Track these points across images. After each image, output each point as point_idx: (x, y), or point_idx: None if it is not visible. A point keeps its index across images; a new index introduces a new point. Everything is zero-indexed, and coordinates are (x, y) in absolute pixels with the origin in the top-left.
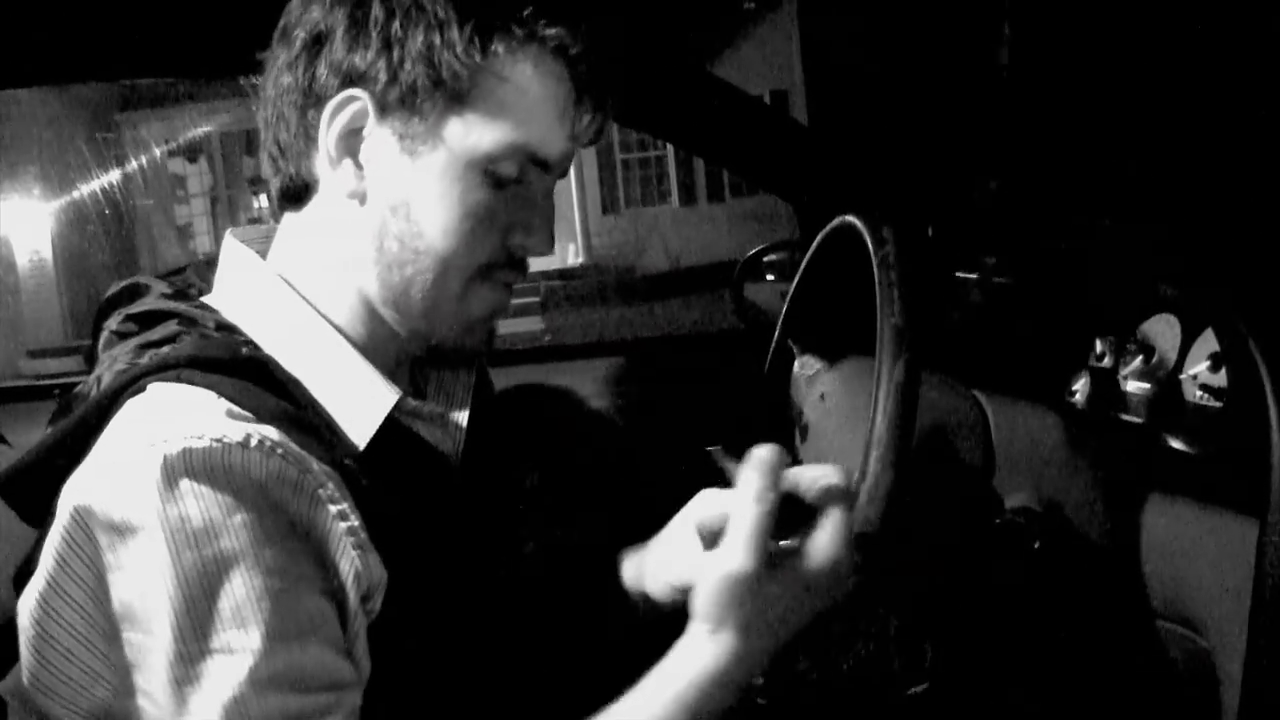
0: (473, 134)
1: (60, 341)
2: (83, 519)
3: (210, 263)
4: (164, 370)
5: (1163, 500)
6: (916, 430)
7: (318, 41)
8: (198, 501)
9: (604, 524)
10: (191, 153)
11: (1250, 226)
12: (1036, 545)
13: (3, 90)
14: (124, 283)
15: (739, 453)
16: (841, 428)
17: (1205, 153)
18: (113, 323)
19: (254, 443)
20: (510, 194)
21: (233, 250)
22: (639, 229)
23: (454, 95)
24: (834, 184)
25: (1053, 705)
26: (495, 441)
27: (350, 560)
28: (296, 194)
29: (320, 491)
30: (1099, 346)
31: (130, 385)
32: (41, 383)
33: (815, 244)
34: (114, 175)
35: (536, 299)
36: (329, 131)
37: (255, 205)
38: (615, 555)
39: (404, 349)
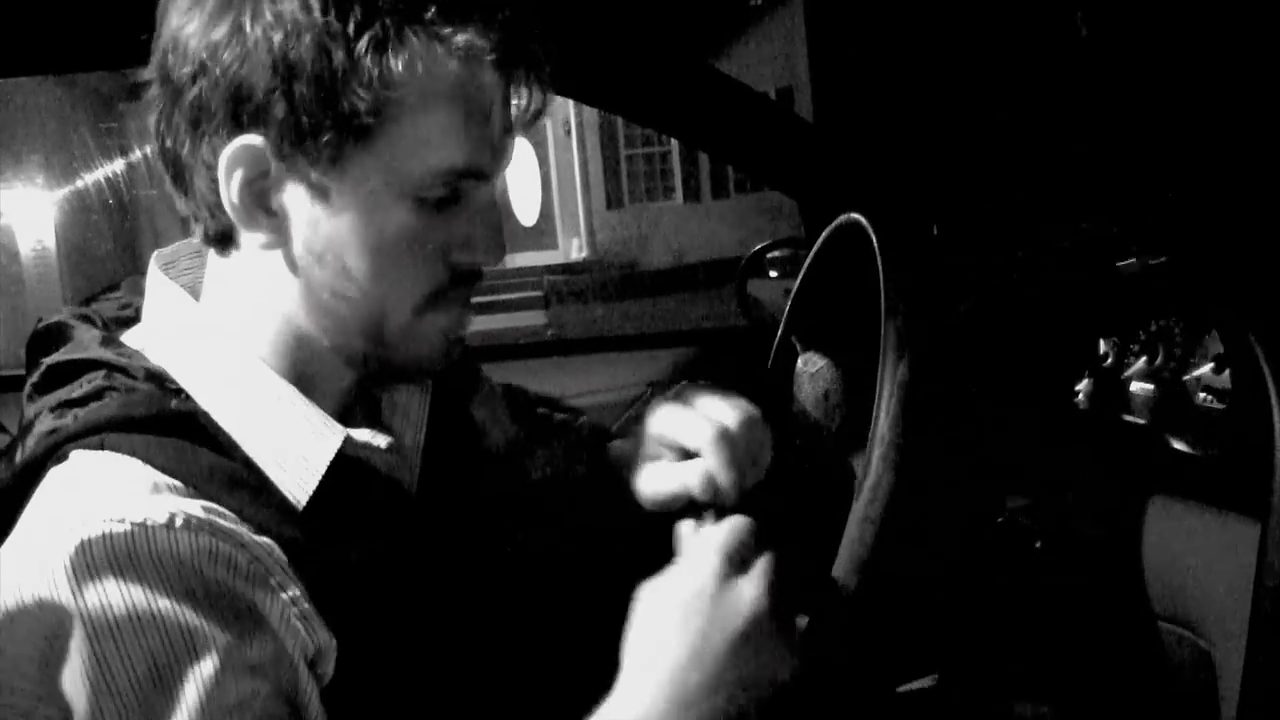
0: (389, 166)
1: None
2: (13, 608)
3: (121, 301)
4: (87, 435)
5: (1165, 501)
6: (921, 430)
7: (198, 74)
8: (120, 590)
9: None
10: None
11: (1255, 228)
12: (1038, 545)
13: (7, 79)
14: (48, 322)
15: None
16: (845, 426)
17: (1211, 155)
18: (34, 374)
19: (179, 522)
20: (444, 215)
21: (159, 285)
22: (643, 224)
23: (360, 129)
24: (839, 181)
25: (1053, 705)
26: (460, 453)
27: (293, 631)
28: (221, 240)
29: (253, 567)
30: (1103, 347)
31: (53, 453)
32: None
33: (820, 241)
34: (118, 165)
35: (539, 294)
36: (229, 185)
37: None
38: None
39: (352, 382)
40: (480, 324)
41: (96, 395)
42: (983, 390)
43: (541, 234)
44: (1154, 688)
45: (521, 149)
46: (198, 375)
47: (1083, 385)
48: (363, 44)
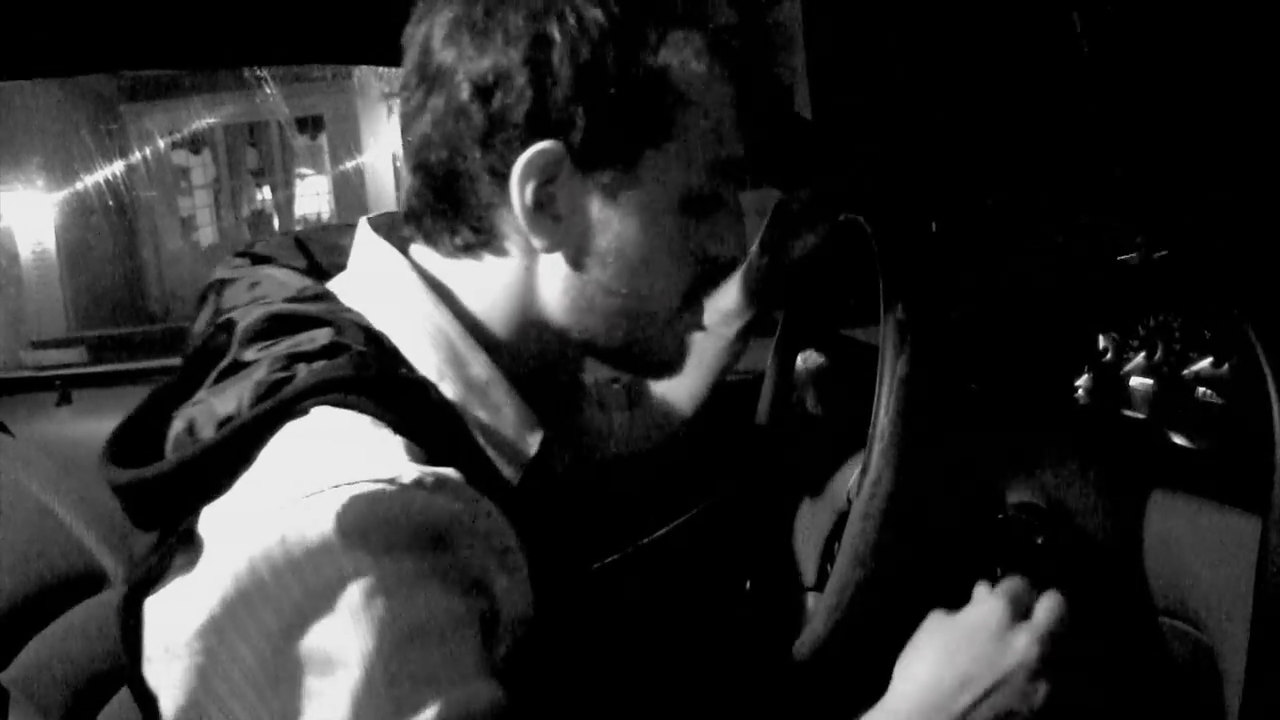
0: (675, 166)
1: (63, 332)
2: (261, 566)
3: (300, 244)
4: (328, 391)
5: (1166, 496)
6: (920, 427)
7: (491, 89)
8: (385, 548)
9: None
10: (195, 144)
11: (1253, 223)
12: (1039, 541)
13: (7, 81)
14: (241, 264)
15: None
16: (845, 423)
17: (1210, 150)
18: (249, 319)
19: (432, 483)
20: (708, 211)
21: (377, 250)
22: None
23: (657, 131)
24: (838, 178)
25: (1055, 700)
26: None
27: (513, 600)
28: (474, 247)
29: (494, 537)
30: (1102, 342)
31: (292, 406)
32: (44, 374)
33: (819, 239)
34: (117, 166)
35: None
36: (523, 189)
37: (259, 197)
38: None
39: (546, 376)
40: None
41: (329, 352)
42: (982, 386)
43: None
44: (1156, 683)
45: None
46: (420, 343)
47: (1082, 380)
48: (664, 52)
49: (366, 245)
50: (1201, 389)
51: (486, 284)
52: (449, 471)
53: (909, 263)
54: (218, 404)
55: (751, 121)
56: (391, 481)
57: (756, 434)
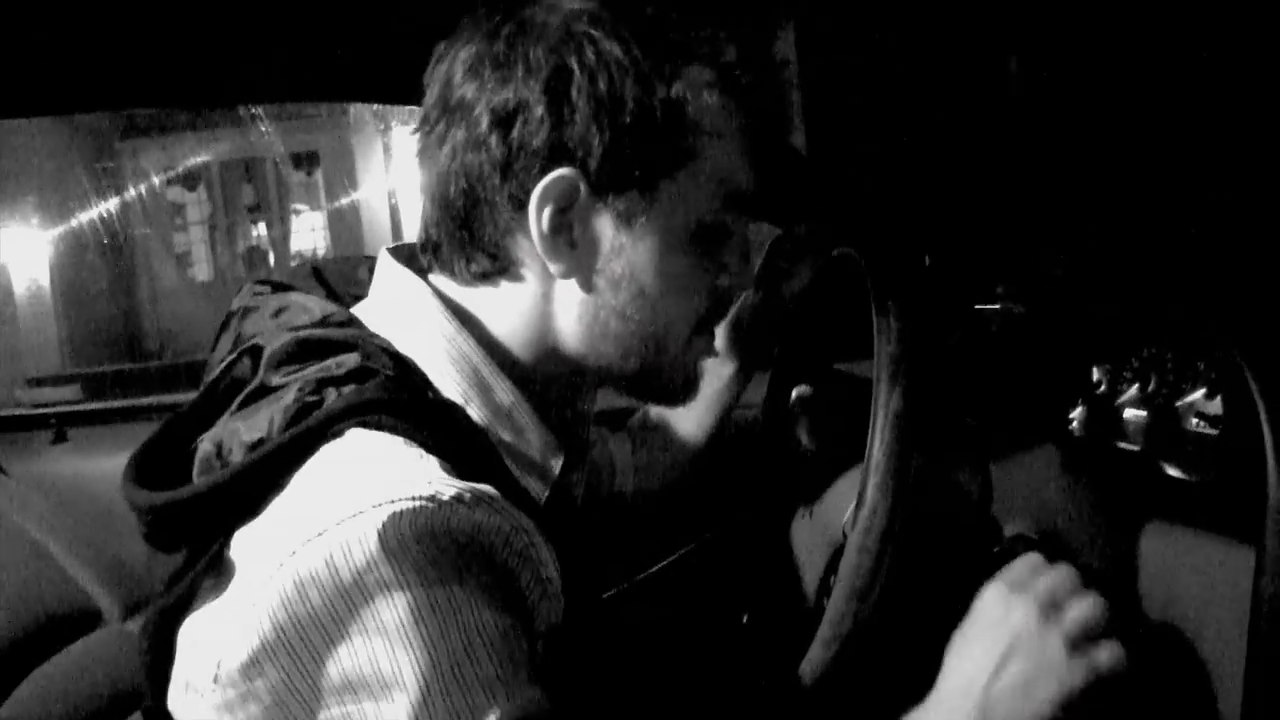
0: (691, 194)
1: (58, 370)
2: (306, 586)
3: (317, 274)
4: (362, 413)
5: (1160, 527)
6: (914, 459)
7: (510, 119)
8: (430, 564)
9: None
10: (190, 181)
11: (1247, 254)
12: None
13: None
14: (265, 294)
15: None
16: (839, 455)
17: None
18: (277, 343)
19: (470, 499)
20: (719, 240)
21: (399, 278)
22: None
23: (671, 160)
24: (831, 211)
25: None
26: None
27: (544, 611)
28: (491, 275)
29: (531, 551)
30: (1096, 374)
31: (327, 428)
32: (39, 411)
33: (814, 273)
34: (113, 204)
35: None
36: (540, 215)
37: (254, 234)
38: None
39: (559, 398)
40: None
41: (357, 376)
42: (977, 418)
43: None
44: (1148, 714)
45: None
46: (445, 368)
47: (1076, 412)
48: (679, 85)
49: (389, 272)
50: (1194, 420)
51: (504, 311)
52: (486, 487)
53: (902, 296)
54: (245, 428)
55: (759, 154)
56: (432, 499)
57: (752, 468)
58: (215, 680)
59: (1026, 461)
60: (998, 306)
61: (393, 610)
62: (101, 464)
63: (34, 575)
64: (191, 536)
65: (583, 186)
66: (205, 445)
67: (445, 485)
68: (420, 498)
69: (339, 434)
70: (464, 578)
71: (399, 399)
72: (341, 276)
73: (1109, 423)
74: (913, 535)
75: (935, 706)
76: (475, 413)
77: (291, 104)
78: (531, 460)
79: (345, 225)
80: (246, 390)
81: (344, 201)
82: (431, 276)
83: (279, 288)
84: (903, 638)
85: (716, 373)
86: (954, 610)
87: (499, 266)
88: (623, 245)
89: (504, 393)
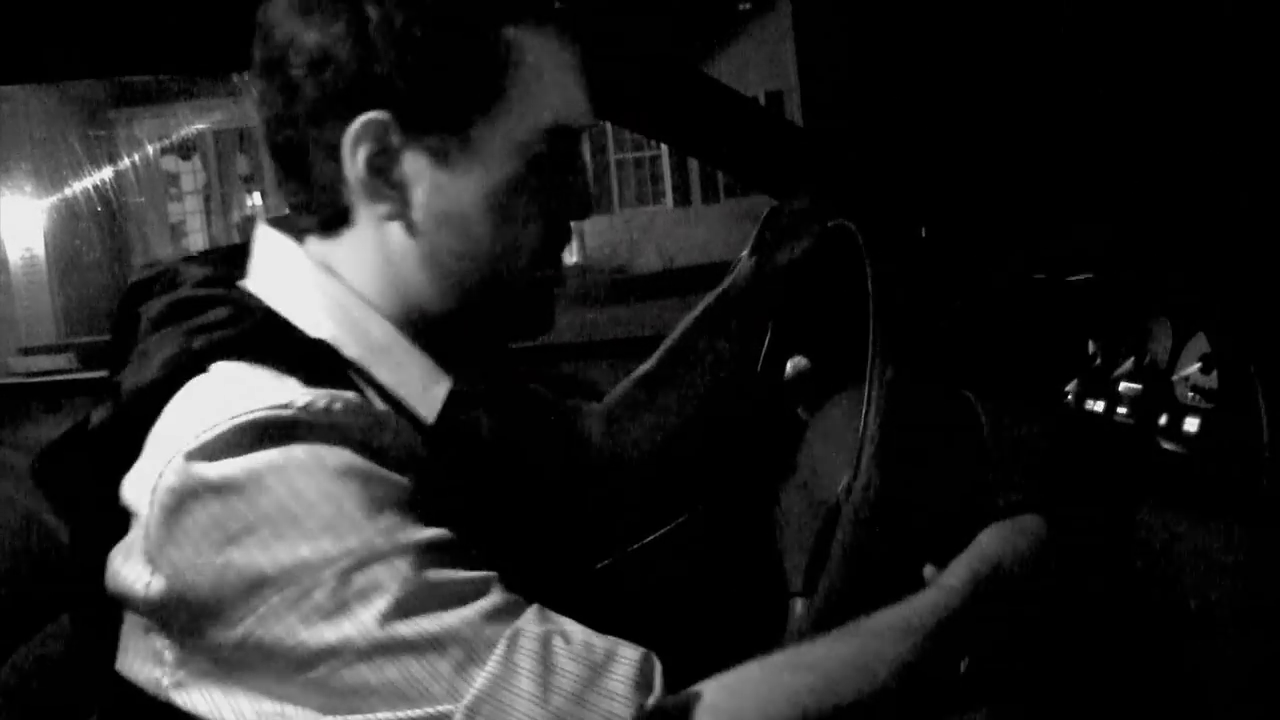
0: (504, 129)
1: (52, 339)
2: (180, 505)
3: (207, 255)
4: (225, 352)
5: (1156, 500)
6: (910, 430)
7: (320, 64)
8: (299, 461)
9: None
10: (185, 150)
11: (1241, 230)
12: None
13: None
14: (157, 268)
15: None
16: (834, 428)
17: (1199, 159)
18: (153, 309)
19: (338, 406)
20: (547, 171)
21: (271, 239)
22: (633, 229)
23: (480, 96)
24: (828, 185)
25: (1045, 706)
26: (523, 424)
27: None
28: (332, 222)
29: (404, 454)
30: (1092, 348)
31: (190, 366)
32: (34, 380)
33: (809, 245)
34: (107, 173)
35: None
36: (355, 160)
37: (249, 203)
38: None
39: (444, 344)
40: None
41: (224, 323)
42: (973, 390)
43: None
44: (1144, 686)
45: None
46: (316, 316)
47: (1072, 386)
48: (480, 13)
49: (261, 238)
50: (1190, 394)
51: (358, 259)
52: (352, 395)
53: (898, 268)
54: (130, 382)
55: (593, 83)
56: (290, 406)
57: (745, 440)
58: (136, 611)
59: (1021, 434)
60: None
61: (274, 500)
62: None
63: (26, 545)
64: (93, 491)
65: (394, 127)
66: (98, 411)
67: (313, 394)
68: (282, 405)
69: (202, 369)
70: (339, 477)
71: (263, 337)
72: (235, 254)
73: (1104, 395)
74: (906, 506)
75: (966, 573)
76: (352, 352)
77: None
78: (414, 391)
79: None
80: (132, 355)
81: None
82: (308, 237)
83: (167, 268)
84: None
85: (711, 344)
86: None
87: (338, 214)
88: (443, 183)
89: (379, 331)
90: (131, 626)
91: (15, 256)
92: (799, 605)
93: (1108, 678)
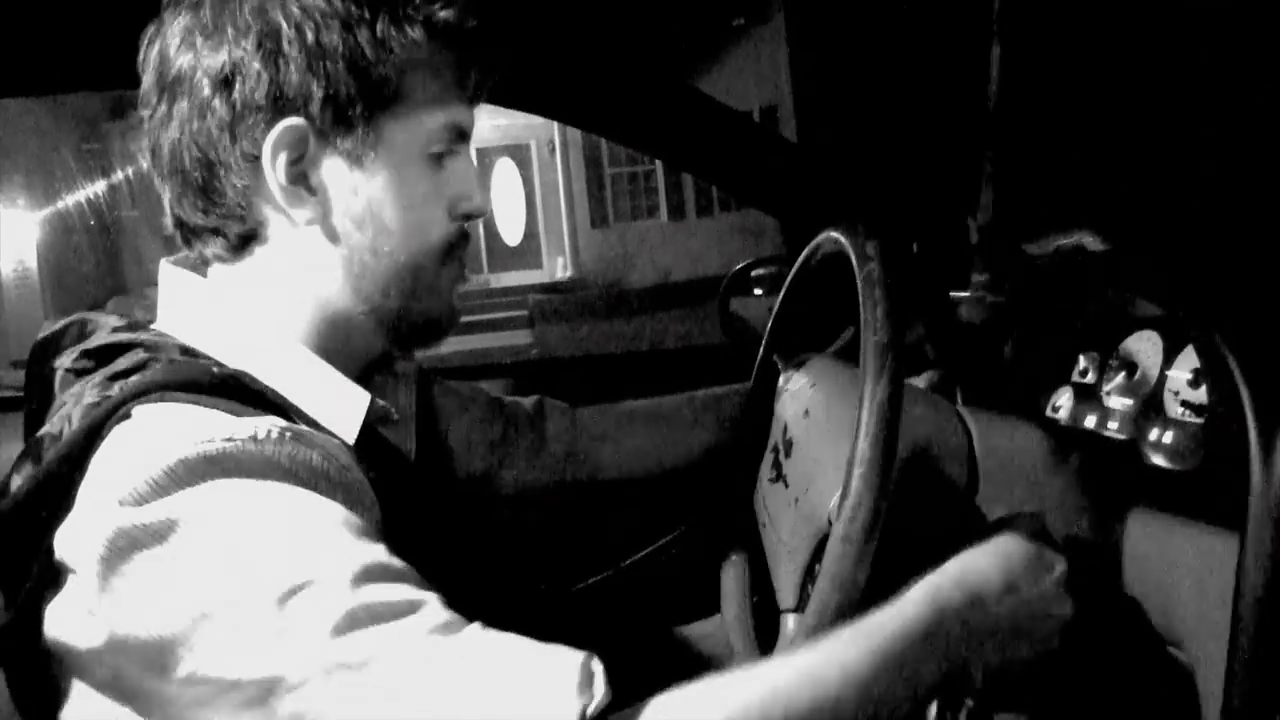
0: (410, 127)
1: None
2: (118, 552)
3: (116, 303)
4: (145, 395)
5: (1144, 515)
6: (900, 448)
7: (229, 80)
8: (227, 496)
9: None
10: None
11: (1231, 245)
12: None
13: None
14: (66, 320)
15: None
16: (826, 444)
17: (1189, 174)
18: (66, 360)
19: (263, 433)
20: (447, 169)
21: (174, 276)
22: (627, 243)
23: (387, 97)
24: (821, 199)
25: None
26: (444, 443)
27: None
28: (244, 241)
29: (339, 475)
30: (1082, 362)
31: (113, 414)
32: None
33: (800, 259)
34: (100, 185)
35: (524, 313)
36: (275, 168)
37: None
38: None
39: (360, 359)
40: (465, 343)
41: (141, 366)
42: (964, 405)
43: (526, 253)
44: (1133, 702)
45: (505, 169)
46: (227, 346)
47: (1063, 400)
48: (381, 24)
49: (165, 278)
50: (1180, 409)
51: (271, 276)
52: (270, 419)
53: (889, 283)
54: (50, 439)
55: (474, 85)
56: (215, 440)
57: (737, 455)
58: (80, 664)
59: (1012, 449)
60: (968, 295)
61: (205, 540)
62: None
63: None
64: (20, 545)
65: (310, 133)
66: (20, 469)
67: (238, 426)
68: (207, 440)
69: (125, 416)
70: (271, 501)
71: (180, 376)
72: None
73: (1094, 410)
74: (897, 525)
75: (927, 588)
76: (265, 380)
77: None
78: (332, 413)
79: None
80: (50, 410)
81: None
82: (211, 268)
83: (74, 319)
84: None
85: (700, 420)
86: None
87: (249, 230)
88: (358, 184)
89: (291, 355)
90: (75, 681)
91: (8, 269)
92: (790, 621)
93: (1098, 692)
